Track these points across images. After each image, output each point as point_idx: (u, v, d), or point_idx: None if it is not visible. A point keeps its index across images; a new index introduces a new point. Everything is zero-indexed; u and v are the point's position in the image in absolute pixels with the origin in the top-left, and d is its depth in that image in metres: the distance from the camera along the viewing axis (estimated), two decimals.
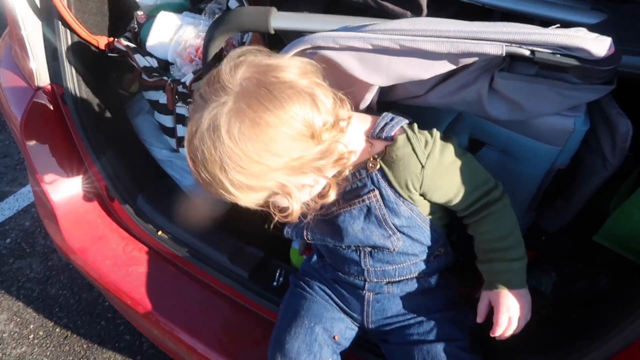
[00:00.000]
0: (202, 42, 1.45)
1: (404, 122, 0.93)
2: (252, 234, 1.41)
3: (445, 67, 0.92)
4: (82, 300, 2.17)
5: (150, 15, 1.52)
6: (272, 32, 1.03)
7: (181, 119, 1.61)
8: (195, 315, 1.37)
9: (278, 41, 1.48)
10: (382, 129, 0.92)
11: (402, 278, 1.02)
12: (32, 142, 1.47)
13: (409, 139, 0.91)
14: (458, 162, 0.93)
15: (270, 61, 0.84)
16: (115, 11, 1.61)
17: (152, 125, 1.68)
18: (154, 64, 1.50)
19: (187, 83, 1.41)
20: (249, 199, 0.84)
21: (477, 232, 0.99)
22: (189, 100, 1.55)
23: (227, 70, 0.82)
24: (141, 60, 1.48)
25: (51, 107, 1.50)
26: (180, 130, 1.62)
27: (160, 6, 1.57)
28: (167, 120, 1.63)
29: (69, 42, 1.45)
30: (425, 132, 0.93)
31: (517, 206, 1.02)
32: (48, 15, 1.44)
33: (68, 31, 1.44)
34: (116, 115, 1.57)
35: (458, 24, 0.89)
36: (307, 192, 0.88)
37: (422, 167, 0.90)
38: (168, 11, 1.52)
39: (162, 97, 1.62)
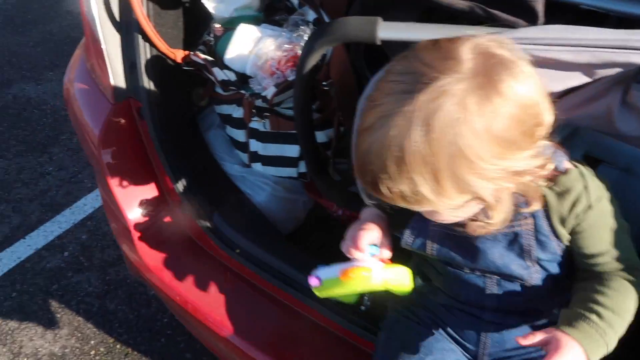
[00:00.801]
0: (283, 55, 1.42)
1: (566, 156, 0.85)
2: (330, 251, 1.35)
3: (579, 79, 0.85)
4: (141, 316, 2.14)
5: (228, 28, 1.49)
6: (379, 42, 0.97)
7: (254, 134, 1.57)
8: (275, 337, 1.31)
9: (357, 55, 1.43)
10: (552, 156, 0.83)
11: (527, 309, 0.94)
12: (109, 157, 1.44)
13: (582, 174, 0.83)
14: (617, 222, 0.85)
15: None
16: (189, 24, 1.60)
17: (223, 139, 1.65)
18: (232, 77, 1.46)
19: (269, 97, 1.37)
20: (452, 203, 0.73)
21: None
22: (266, 114, 1.51)
23: (455, 43, 0.71)
24: (219, 74, 1.45)
25: (127, 122, 1.47)
26: (253, 145, 1.58)
27: (235, 19, 1.54)
28: (240, 135, 1.59)
29: (147, 56, 1.43)
30: (595, 175, 0.85)
31: (634, 231, 0.94)
32: (127, 28, 1.42)
33: (147, 45, 1.42)
34: (191, 131, 1.54)
35: (597, 32, 0.82)
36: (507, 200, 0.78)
37: (590, 206, 0.82)
38: (244, 23, 1.49)
39: (235, 111, 1.58)
